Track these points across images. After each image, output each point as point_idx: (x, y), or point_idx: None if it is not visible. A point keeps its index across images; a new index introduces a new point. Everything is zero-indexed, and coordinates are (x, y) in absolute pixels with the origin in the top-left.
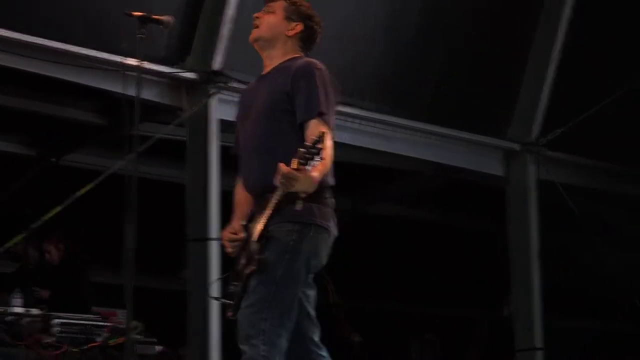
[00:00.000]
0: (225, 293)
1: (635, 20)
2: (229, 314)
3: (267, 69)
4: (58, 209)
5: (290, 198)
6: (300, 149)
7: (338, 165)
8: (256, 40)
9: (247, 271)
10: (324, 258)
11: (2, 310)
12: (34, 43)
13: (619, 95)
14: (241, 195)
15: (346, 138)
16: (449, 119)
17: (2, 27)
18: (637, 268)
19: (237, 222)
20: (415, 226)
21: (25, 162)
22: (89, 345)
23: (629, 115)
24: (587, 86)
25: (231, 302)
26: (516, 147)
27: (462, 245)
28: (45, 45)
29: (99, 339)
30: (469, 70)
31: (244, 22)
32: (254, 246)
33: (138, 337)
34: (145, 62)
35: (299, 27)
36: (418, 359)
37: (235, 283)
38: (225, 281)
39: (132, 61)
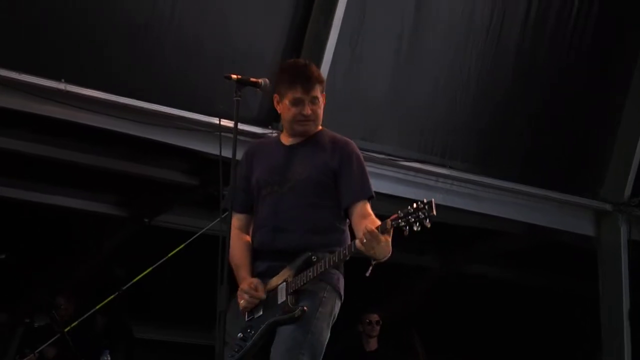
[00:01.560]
0: (237, 338)
1: None
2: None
3: (295, 138)
4: (150, 269)
5: (321, 259)
6: (409, 210)
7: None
8: (310, 132)
9: (272, 320)
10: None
11: None
12: (127, 105)
13: None
14: (247, 253)
15: (438, 199)
16: (539, 179)
17: (97, 89)
18: None
19: (255, 279)
20: (505, 286)
21: (118, 222)
22: None
23: None
24: None
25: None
26: (608, 207)
27: (552, 305)
28: (139, 107)
29: None
30: (560, 131)
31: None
32: (289, 299)
33: None
34: (240, 123)
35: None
36: None
37: (250, 332)
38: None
39: (227, 122)
